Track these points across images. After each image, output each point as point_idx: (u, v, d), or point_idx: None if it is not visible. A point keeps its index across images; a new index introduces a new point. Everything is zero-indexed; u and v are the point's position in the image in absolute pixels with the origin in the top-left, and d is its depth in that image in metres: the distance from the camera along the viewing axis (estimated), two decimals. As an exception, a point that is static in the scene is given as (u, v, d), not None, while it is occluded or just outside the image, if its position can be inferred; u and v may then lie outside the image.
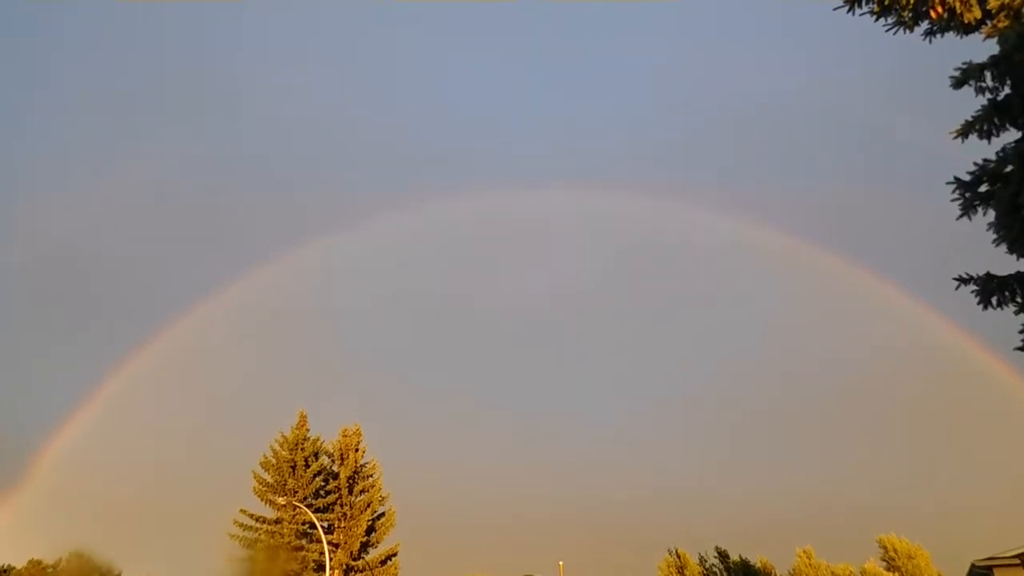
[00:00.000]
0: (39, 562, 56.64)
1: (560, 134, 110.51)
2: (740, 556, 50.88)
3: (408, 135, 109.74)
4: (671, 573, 55.56)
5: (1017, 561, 25.94)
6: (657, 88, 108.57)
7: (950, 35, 10.30)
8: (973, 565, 27.95)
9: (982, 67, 8.87)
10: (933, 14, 9.76)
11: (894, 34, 10.65)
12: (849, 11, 10.51)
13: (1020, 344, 9.82)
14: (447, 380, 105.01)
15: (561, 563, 37.59)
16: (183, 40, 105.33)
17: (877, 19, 10.58)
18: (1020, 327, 9.78)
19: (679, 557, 55.56)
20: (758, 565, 53.47)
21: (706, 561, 52.15)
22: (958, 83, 9.15)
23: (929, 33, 10.37)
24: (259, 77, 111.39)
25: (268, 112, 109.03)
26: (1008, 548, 26.62)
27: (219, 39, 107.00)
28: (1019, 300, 9.79)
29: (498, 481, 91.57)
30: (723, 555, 50.17)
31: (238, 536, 38.33)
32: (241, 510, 39.12)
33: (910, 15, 10.21)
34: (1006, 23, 8.57)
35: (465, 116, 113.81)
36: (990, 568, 26.89)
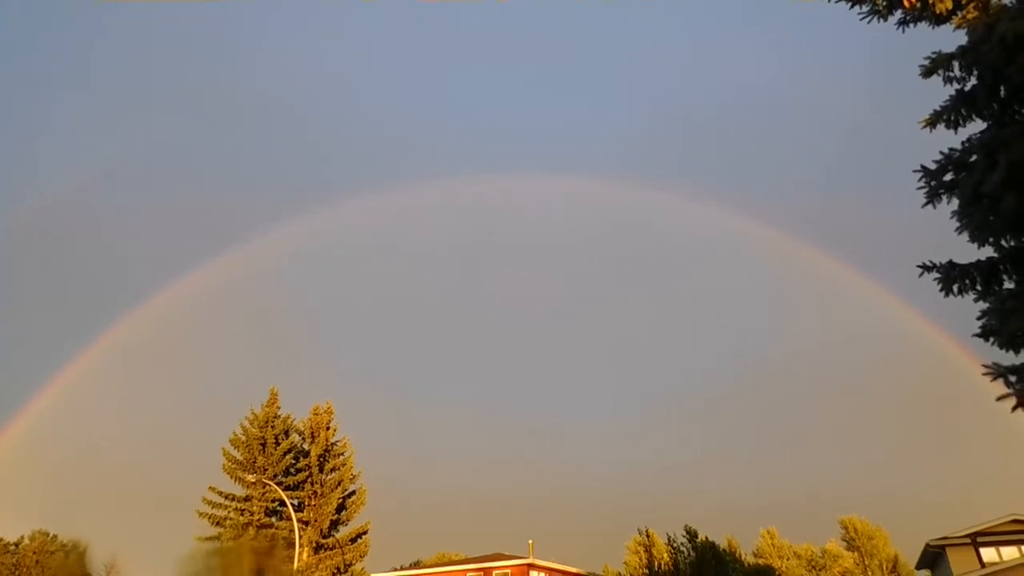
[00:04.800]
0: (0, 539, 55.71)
1: (534, 130, 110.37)
2: (706, 537, 51.93)
3: (401, 132, 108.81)
4: (639, 551, 56.68)
5: (967, 540, 26.96)
6: (634, 83, 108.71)
7: (923, 25, 10.42)
8: (927, 545, 28.96)
9: (951, 57, 8.99)
10: (906, 3, 9.83)
11: (868, 23, 10.75)
12: (826, -2, 10.56)
13: (979, 331, 10.04)
14: (424, 368, 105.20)
15: (531, 542, 38.01)
16: (174, 37, 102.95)
17: (852, 7, 10.65)
18: (978, 314, 10.01)
19: (647, 536, 56.64)
20: (724, 545, 54.70)
21: (674, 540, 53.13)
22: (927, 72, 9.27)
23: (902, 23, 10.45)
24: (246, 74, 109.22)
25: (256, 107, 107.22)
26: (959, 528, 27.67)
27: (210, 39, 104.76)
28: (979, 288, 10.01)
29: (471, 464, 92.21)
30: (691, 534, 51.18)
31: (207, 514, 38.02)
32: (210, 487, 38.80)
33: (884, 4, 10.29)
34: (975, 14, 8.68)
35: (454, 114, 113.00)
36: (943, 547, 27.91)
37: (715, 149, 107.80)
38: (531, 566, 36.66)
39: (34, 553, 53.90)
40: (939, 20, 9.79)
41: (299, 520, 36.15)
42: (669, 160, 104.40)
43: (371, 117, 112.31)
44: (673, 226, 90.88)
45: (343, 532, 39.95)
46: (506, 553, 39.42)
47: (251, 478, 37.60)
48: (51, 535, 56.38)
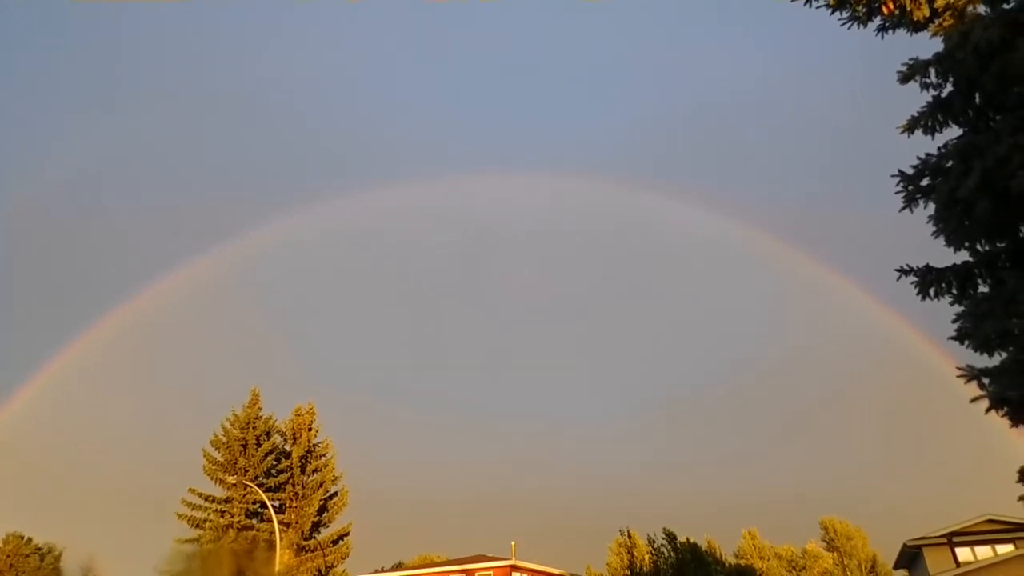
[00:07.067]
0: (-28, 543, 54.55)
1: (531, 129, 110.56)
2: (688, 538, 52.27)
3: (398, 131, 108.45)
4: (621, 552, 56.89)
5: (944, 540, 27.38)
6: (633, 84, 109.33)
7: (901, 32, 10.58)
8: (905, 545, 29.35)
9: (927, 64, 9.13)
10: (885, 10, 9.97)
11: (848, 28, 10.90)
12: (806, 4, 10.68)
13: (954, 334, 10.18)
14: (410, 368, 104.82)
15: (514, 543, 37.98)
16: (171, 36, 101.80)
17: (832, 13, 10.78)
18: (953, 317, 10.16)
19: (629, 537, 56.91)
20: (705, 546, 55.04)
21: (654, 541, 53.43)
22: (904, 78, 9.41)
23: (881, 29, 10.60)
24: (244, 73, 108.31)
25: (250, 106, 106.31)
26: (936, 529, 28.08)
27: (207, 38, 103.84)
28: (955, 291, 10.16)
29: (455, 465, 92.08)
30: (670, 536, 51.50)
31: (186, 516, 37.63)
32: (190, 489, 38.39)
33: (864, 10, 10.42)
34: (951, 22, 8.83)
35: (452, 112, 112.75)
36: (920, 547, 28.30)
37: (715, 149, 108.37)
38: (514, 567, 36.62)
39: (8, 556, 52.87)
40: (917, 27, 9.93)
41: (280, 522, 35.84)
42: (669, 160, 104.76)
43: (369, 116, 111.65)
44: (672, 226, 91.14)
45: (325, 534, 39.71)
46: (489, 555, 39.34)
47: (232, 480, 37.25)
48: (26, 538, 55.38)
